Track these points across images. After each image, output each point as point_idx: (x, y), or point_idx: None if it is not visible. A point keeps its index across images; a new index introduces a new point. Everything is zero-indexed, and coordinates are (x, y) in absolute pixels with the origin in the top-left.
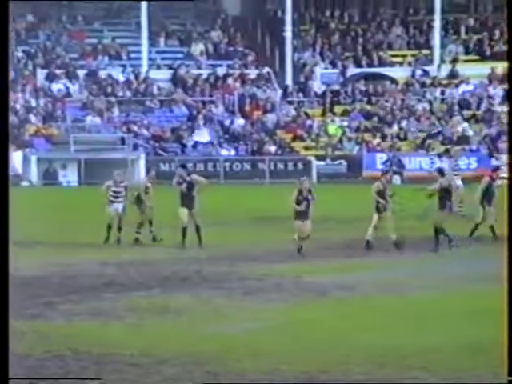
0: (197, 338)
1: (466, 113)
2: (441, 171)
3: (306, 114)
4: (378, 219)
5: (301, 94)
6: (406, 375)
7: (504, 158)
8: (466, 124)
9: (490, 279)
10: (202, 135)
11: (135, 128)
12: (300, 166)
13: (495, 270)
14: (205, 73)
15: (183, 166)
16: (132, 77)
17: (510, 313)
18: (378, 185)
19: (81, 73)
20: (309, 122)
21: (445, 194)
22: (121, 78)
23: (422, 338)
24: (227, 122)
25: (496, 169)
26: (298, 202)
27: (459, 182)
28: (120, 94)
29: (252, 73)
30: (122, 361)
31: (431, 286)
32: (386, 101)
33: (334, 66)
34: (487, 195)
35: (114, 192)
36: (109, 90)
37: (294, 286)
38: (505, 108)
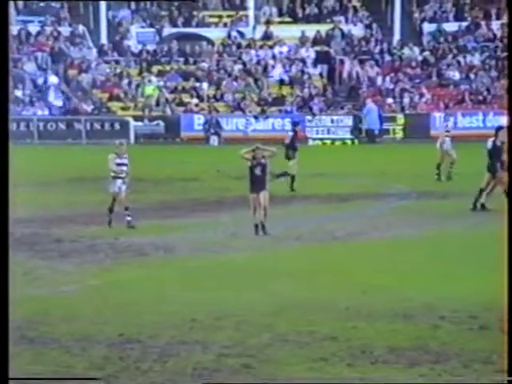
0: (9, 302)
1: (281, 74)
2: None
3: (121, 73)
4: None
5: (116, 53)
6: (218, 337)
7: (318, 118)
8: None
9: (304, 239)
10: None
11: None
12: (117, 126)
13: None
14: (15, 29)
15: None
16: None
17: (510, 310)
18: None
19: None
20: (125, 81)
21: None
22: None
23: (237, 297)
24: (40, 81)
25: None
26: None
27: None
28: None
29: (65, 30)
30: None
31: (247, 246)
32: (203, 61)
33: (150, 25)
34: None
35: (118, 165)
36: None
37: (109, 247)
38: (317, 71)
